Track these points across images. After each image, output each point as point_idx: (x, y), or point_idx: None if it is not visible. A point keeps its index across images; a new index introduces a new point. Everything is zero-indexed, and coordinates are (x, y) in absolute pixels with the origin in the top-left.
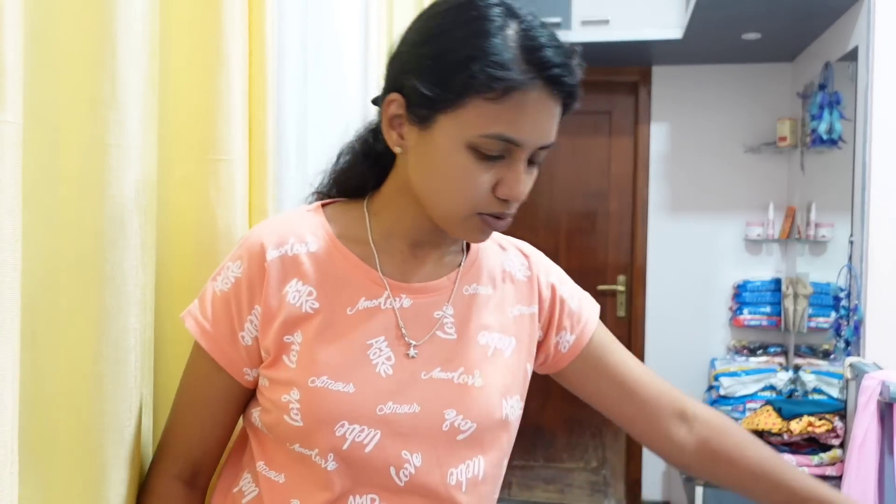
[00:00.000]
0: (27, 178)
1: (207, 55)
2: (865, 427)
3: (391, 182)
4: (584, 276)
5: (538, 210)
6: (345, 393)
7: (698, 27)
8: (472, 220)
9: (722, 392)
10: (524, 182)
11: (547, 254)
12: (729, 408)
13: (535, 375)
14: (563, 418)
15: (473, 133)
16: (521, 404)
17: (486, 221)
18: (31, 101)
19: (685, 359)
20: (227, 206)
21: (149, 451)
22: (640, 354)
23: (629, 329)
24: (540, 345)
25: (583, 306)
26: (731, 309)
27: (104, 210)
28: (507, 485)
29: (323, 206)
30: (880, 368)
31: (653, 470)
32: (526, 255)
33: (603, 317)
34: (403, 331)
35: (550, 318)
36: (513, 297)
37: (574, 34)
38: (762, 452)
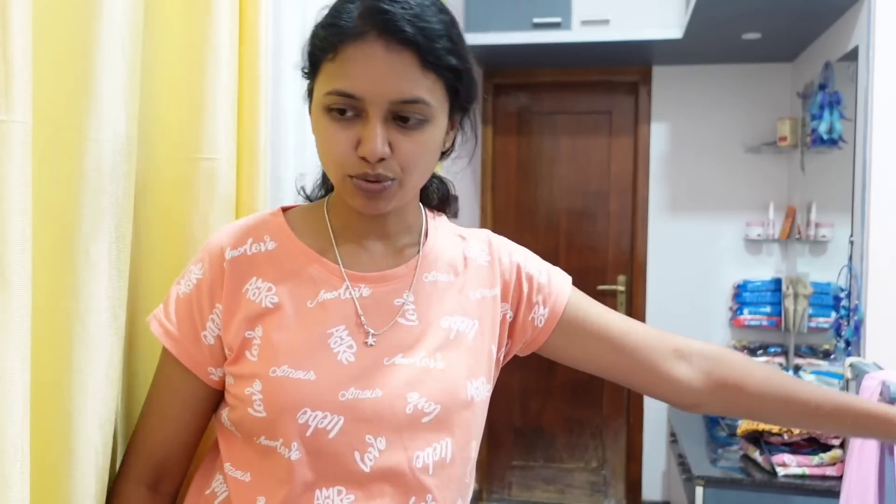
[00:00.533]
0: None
1: (194, 52)
2: None
3: None
4: (584, 276)
5: (538, 210)
6: (306, 381)
7: (698, 27)
8: (347, 185)
9: None
10: (374, 138)
11: (547, 254)
12: None
13: (535, 376)
14: (563, 418)
15: (322, 94)
16: (489, 386)
17: (358, 185)
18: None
19: None
20: (214, 206)
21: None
22: None
23: None
24: (513, 326)
25: (552, 279)
26: (731, 309)
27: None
28: (507, 485)
29: (284, 210)
30: (880, 368)
31: (653, 470)
32: (487, 242)
33: None
34: (363, 319)
35: (519, 297)
36: (475, 282)
37: (574, 34)
38: (766, 372)
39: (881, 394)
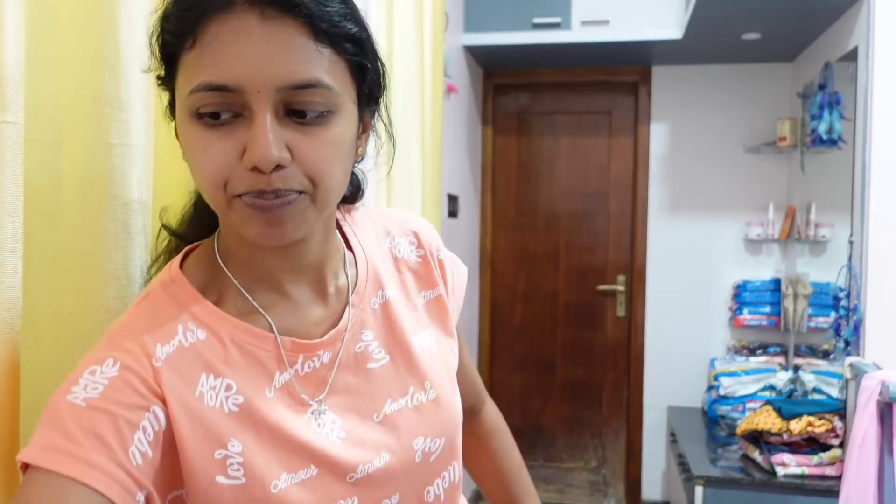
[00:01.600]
0: (30, 178)
1: None
2: (865, 427)
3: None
4: (584, 276)
5: (538, 210)
6: (311, 478)
7: (698, 27)
8: (236, 210)
9: (722, 392)
10: (263, 139)
11: (547, 254)
12: (729, 407)
13: (535, 376)
14: (563, 418)
15: (185, 94)
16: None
17: (252, 205)
18: (33, 100)
19: (685, 359)
20: None
21: None
22: (640, 354)
23: (629, 329)
24: None
25: (456, 282)
26: (730, 309)
27: (107, 210)
28: None
29: (181, 266)
30: (880, 368)
31: (653, 470)
32: (411, 232)
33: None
34: (303, 396)
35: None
36: (415, 287)
37: (574, 34)
38: (509, 464)
39: (880, 394)
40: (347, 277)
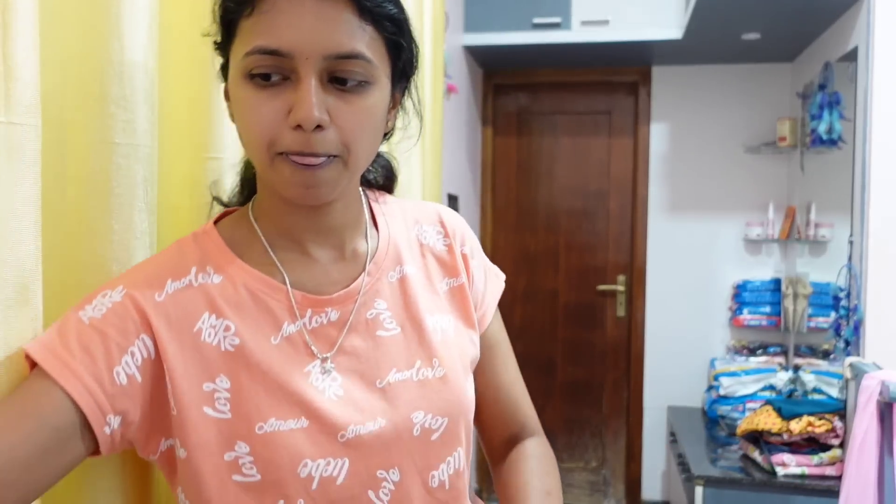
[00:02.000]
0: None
1: (203, 52)
2: (865, 427)
3: (257, 172)
4: (584, 276)
5: (538, 210)
6: (298, 430)
7: (698, 27)
8: (277, 166)
9: (722, 392)
10: (308, 100)
11: (547, 254)
12: (729, 407)
13: (535, 376)
14: (563, 418)
15: (240, 57)
16: (472, 380)
17: (292, 161)
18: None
19: (685, 359)
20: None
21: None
22: (640, 354)
23: (629, 329)
24: None
25: (488, 283)
26: (730, 309)
27: (112, 210)
28: None
29: (215, 223)
30: (880, 368)
31: (653, 470)
32: (438, 221)
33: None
34: (313, 348)
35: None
36: (438, 273)
37: (574, 34)
38: (533, 481)
39: (881, 394)
40: (368, 247)
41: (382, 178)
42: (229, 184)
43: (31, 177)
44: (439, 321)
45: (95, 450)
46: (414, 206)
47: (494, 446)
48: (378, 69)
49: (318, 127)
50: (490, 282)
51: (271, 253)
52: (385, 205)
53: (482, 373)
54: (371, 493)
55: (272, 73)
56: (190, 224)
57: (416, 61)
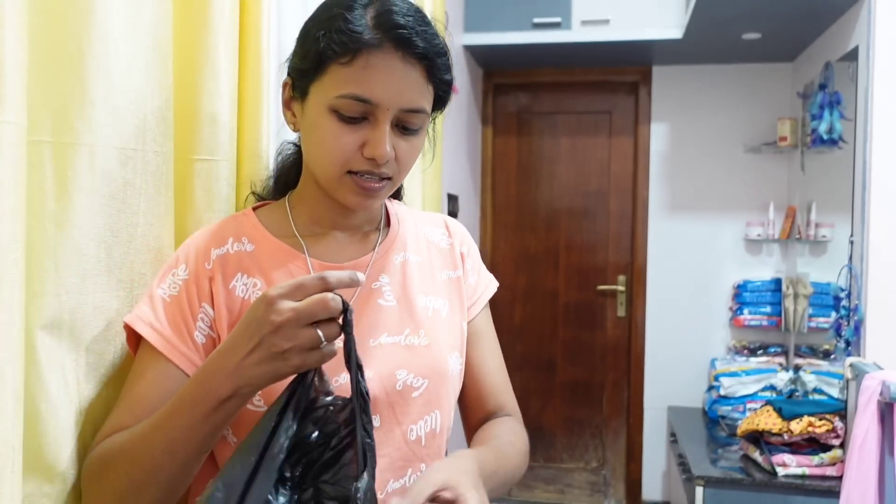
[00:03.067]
0: (29, 179)
1: (193, 55)
2: (866, 427)
3: (303, 172)
4: (584, 276)
5: (538, 210)
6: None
7: (698, 27)
8: (345, 181)
9: (722, 392)
10: (385, 141)
11: (547, 254)
12: (729, 408)
13: (535, 376)
14: (563, 418)
15: (332, 95)
16: (462, 360)
17: (358, 182)
18: (34, 101)
19: (685, 359)
20: (213, 208)
21: None
22: (640, 354)
23: (629, 329)
24: None
25: (479, 282)
26: (731, 309)
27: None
28: None
29: (254, 209)
30: (880, 368)
31: (653, 470)
32: (444, 225)
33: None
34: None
35: None
36: (439, 263)
37: (574, 34)
38: (498, 430)
39: (881, 394)
40: (380, 234)
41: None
42: (224, 183)
43: (19, 174)
44: (433, 302)
45: None
46: (424, 214)
47: (472, 425)
48: (427, 118)
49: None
50: (482, 281)
51: (296, 232)
52: (399, 207)
53: (467, 359)
54: None
55: (356, 115)
56: (179, 229)
57: (447, 104)
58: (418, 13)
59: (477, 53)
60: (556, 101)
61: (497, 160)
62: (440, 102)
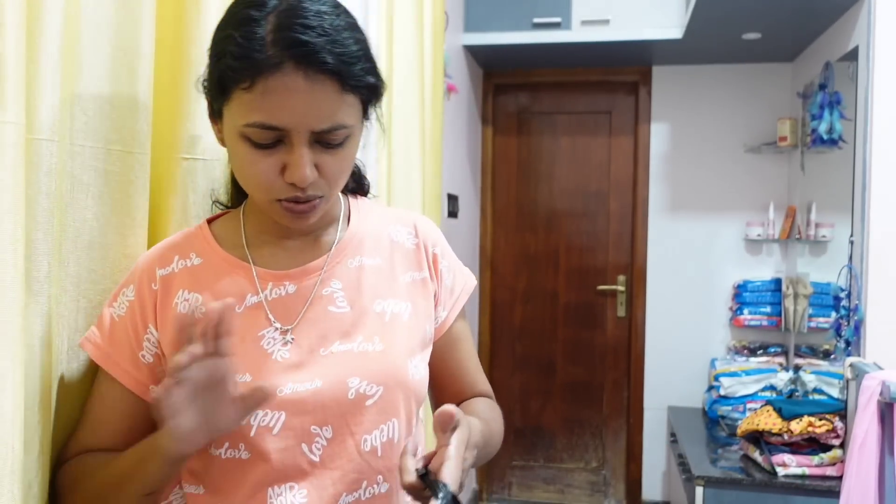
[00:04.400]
0: (29, 177)
1: (180, 52)
2: (866, 427)
3: None
4: (584, 276)
5: (538, 210)
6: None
7: (698, 27)
8: (275, 208)
9: (722, 392)
10: (303, 165)
11: (547, 254)
12: (729, 408)
13: (535, 376)
14: (563, 418)
15: (239, 123)
16: (425, 365)
17: (287, 208)
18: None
19: (685, 359)
20: (197, 205)
21: None
22: (640, 354)
23: (629, 329)
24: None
25: (456, 283)
26: (731, 309)
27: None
28: (507, 485)
29: (211, 220)
30: (880, 368)
31: (653, 470)
32: (412, 225)
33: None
34: (270, 317)
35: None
36: (402, 265)
37: (574, 34)
38: (479, 406)
39: (881, 394)
40: (336, 238)
41: (353, 184)
42: (203, 180)
43: (18, 174)
44: (392, 306)
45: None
46: (395, 211)
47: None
48: (356, 126)
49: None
50: (458, 280)
51: (245, 243)
52: (361, 206)
53: (445, 362)
54: (304, 447)
55: (268, 142)
56: (170, 228)
57: (382, 94)
58: (329, 15)
59: (477, 53)
60: (555, 101)
61: (497, 160)
62: (372, 97)
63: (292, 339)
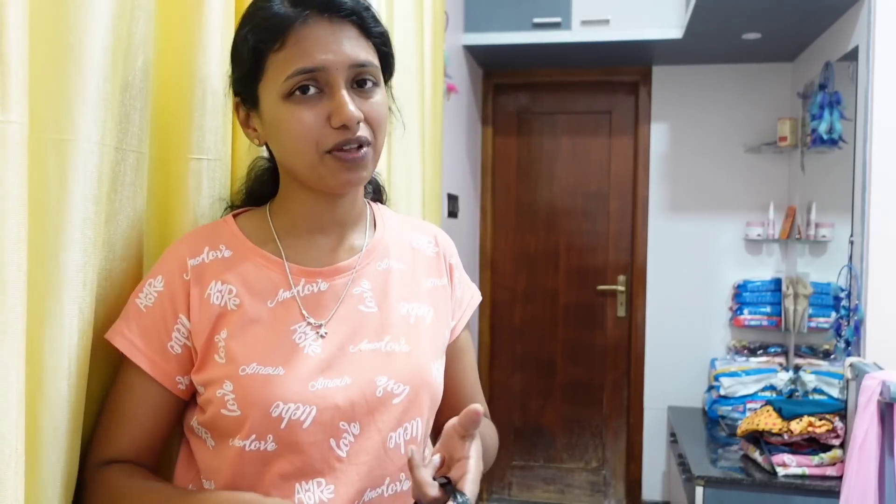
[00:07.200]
0: (32, 178)
1: (184, 52)
2: (866, 427)
3: (280, 179)
4: (584, 276)
5: (538, 210)
6: (275, 376)
7: (698, 27)
8: (326, 162)
9: (722, 392)
10: (347, 103)
11: (547, 254)
12: (729, 408)
13: (535, 376)
14: (563, 418)
15: (279, 83)
16: (443, 370)
17: (339, 157)
18: (37, 100)
19: (685, 359)
20: (204, 206)
21: None
22: (640, 354)
23: (629, 329)
24: None
25: (465, 295)
26: (731, 309)
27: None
28: (507, 485)
29: (234, 216)
30: (880, 368)
31: (653, 470)
32: (432, 235)
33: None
34: (304, 312)
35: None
36: (424, 271)
37: (574, 34)
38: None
39: (881, 394)
40: (364, 241)
41: (372, 190)
42: (206, 181)
43: (22, 174)
44: (415, 309)
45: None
46: (411, 221)
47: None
48: (379, 72)
49: (358, 122)
50: (467, 293)
51: (277, 238)
52: (384, 212)
53: (447, 371)
54: (332, 441)
55: (310, 85)
56: (176, 228)
57: (393, 66)
58: None
59: (477, 53)
60: (556, 102)
61: (497, 160)
62: (386, 63)
63: (325, 333)
